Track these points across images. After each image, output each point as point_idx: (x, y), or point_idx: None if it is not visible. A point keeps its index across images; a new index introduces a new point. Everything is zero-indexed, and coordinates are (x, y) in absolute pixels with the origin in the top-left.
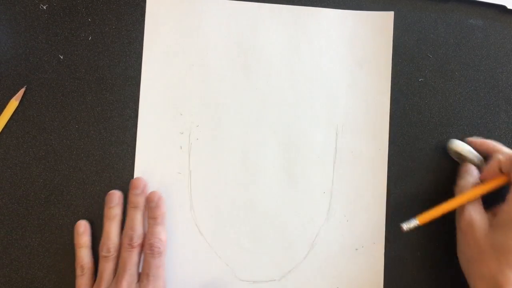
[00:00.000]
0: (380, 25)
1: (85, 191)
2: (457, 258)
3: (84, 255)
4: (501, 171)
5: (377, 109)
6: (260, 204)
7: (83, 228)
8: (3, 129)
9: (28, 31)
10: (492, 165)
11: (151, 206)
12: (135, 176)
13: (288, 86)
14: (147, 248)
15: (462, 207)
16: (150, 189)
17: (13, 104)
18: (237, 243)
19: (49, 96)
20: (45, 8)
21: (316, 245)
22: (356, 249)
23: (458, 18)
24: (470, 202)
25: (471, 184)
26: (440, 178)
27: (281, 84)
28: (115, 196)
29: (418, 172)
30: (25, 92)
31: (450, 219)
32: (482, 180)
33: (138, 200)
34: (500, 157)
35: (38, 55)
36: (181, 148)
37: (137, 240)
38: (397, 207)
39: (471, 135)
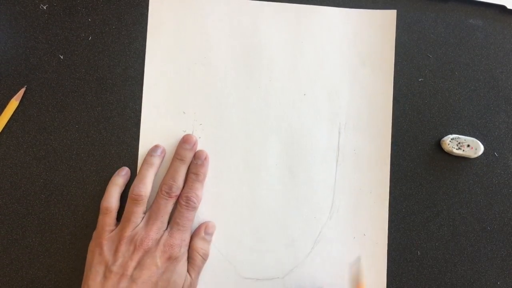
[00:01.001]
0: (382, 23)
1: (85, 191)
2: (457, 257)
3: (114, 192)
4: None
5: (380, 107)
6: (263, 202)
7: (125, 171)
8: (3, 129)
9: (28, 31)
10: None
11: (196, 163)
12: (137, 174)
13: (290, 84)
14: (183, 200)
15: None
16: (155, 186)
17: (13, 104)
18: (240, 241)
19: (49, 96)
20: (45, 8)
21: (319, 242)
22: (359, 247)
23: (458, 18)
24: None
25: None
26: (439, 177)
27: (283, 82)
28: (160, 148)
29: (418, 172)
30: (25, 92)
31: (449, 219)
32: None
33: (186, 154)
34: None
35: (38, 55)
36: None
37: (176, 191)
38: (399, 206)
39: (471, 135)
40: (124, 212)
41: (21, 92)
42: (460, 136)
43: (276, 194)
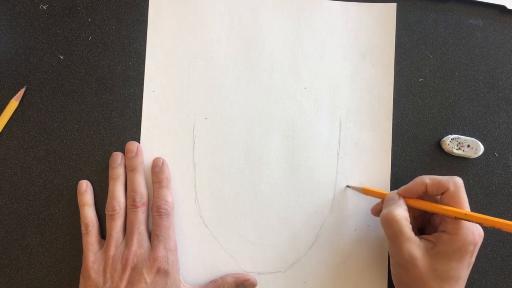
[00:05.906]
0: (383, 16)
1: None
2: None
3: (87, 212)
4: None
5: (381, 100)
6: (264, 196)
7: (84, 186)
8: (3, 129)
9: (28, 31)
10: (418, 189)
11: (155, 171)
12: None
13: (291, 78)
14: (155, 211)
15: (398, 244)
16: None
17: (13, 104)
18: (241, 235)
19: (49, 96)
20: (45, 8)
21: (321, 236)
22: (360, 241)
23: (458, 18)
24: (404, 237)
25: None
26: None
27: (284, 76)
28: (118, 156)
29: (418, 172)
30: (25, 92)
31: None
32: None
33: (134, 162)
34: (427, 181)
35: (38, 55)
36: (185, 141)
37: (140, 200)
38: None
39: (471, 135)
40: (106, 231)
41: (21, 92)
42: (460, 136)
43: (278, 188)
